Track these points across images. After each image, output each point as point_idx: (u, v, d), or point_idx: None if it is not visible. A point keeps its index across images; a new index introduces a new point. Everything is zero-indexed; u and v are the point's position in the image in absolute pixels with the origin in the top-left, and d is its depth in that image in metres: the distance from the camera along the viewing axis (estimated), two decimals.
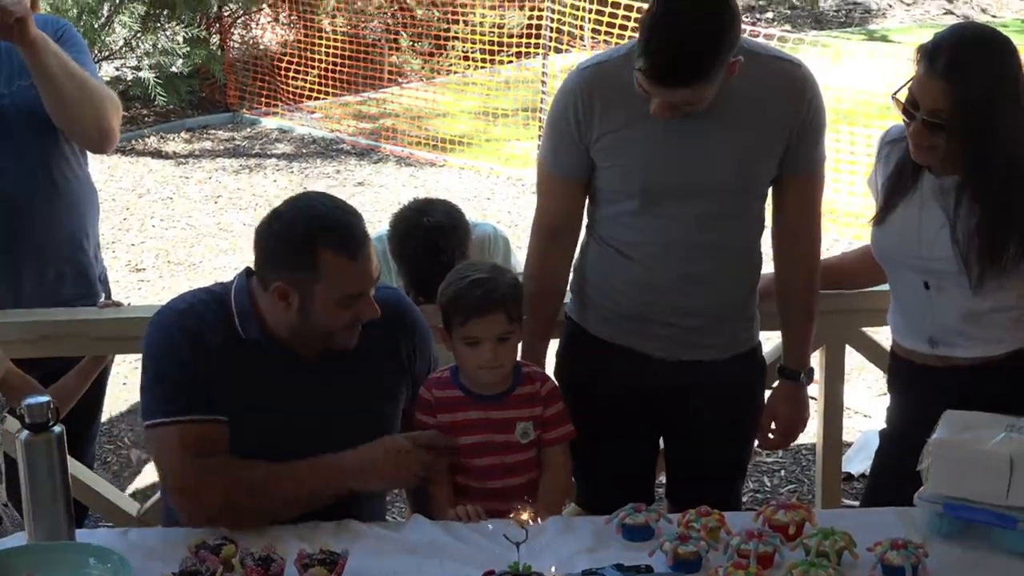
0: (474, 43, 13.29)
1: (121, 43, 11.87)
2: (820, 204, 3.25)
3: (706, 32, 2.81)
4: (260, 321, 2.87)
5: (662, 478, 3.53)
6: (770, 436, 3.38)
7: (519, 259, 3.97)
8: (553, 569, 2.26)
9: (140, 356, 2.95)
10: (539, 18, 11.30)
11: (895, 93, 3.01)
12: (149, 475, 5.30)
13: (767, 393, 3.41)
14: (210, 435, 2.82)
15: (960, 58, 2.90)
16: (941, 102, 2.90)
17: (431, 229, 3.79)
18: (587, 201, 3.22)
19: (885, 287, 3.32)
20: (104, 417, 4.15)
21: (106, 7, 11.37)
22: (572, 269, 3.31)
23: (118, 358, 3.99)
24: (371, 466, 2.86)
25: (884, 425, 3.38)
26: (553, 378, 3.19)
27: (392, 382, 3.03)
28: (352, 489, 2.86)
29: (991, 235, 2.97)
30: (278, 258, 2.81)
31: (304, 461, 2.83)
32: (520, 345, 3.14)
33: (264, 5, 13.45)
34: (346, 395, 2.93)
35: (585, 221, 3.26)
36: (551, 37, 10.72)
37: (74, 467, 3.20)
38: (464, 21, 13.60)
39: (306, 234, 2.77)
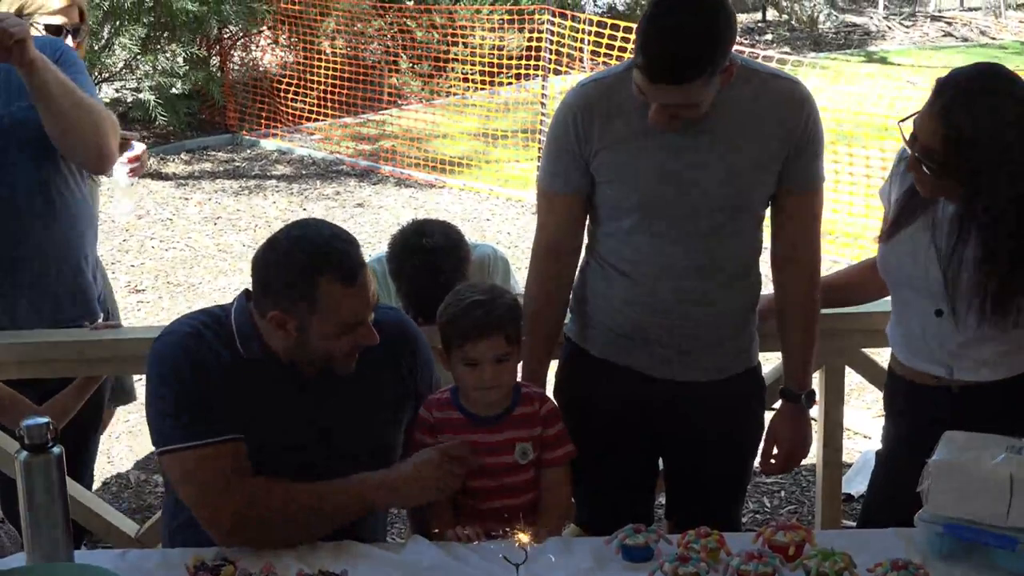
0: (473, 65, 13.33)
1: (121, 65, 11.91)
2: (819, 224, 3.25)
3: (703, 29, 2.83)
4: (261, 341, 2.87)
5: (662, 498, 3.52)
6: (772, 460, 3.38)
7: (519, 280, 3.97)
8: None
9: (141, 376, 2.94)
10: (538, 40, 11.34)
11: (901, 120, 3.01)
12: (148, 496, 5.30)
13: (768, 414, 3.41)
14: (230, 456, 2.81)
15: (960, 101, 2.87)
16: (935, 142, 2.89)
17: (430, 251, 3.80)
18: (587, 221, 3.22)
19: (884, 308, 3.31)
20: (102, 437, 4.14)
21: (106, 29, 11.40)
22: (571, 289, 3.31)
23: None
24: (401, 480, 2.87)
25: (881, 446, 3.37)
26: (552, 398, 3.19)
27: (394, 402, 3.03)
28: (383, 504, 2.91)
29: (997, 295, 2.94)
30: (275, 287, 2.80)
31: (346, 480, 2.85)
32: (520, 366, 3.14)
33: (264, 27, 13.50)
34: (348, 414, 2.92)
35: (585, 241, 3.26)
36: (550, 59, 10.75)
37: (73, 488, 3.20)
38: (464, 43, 13.65)
39: (304, 265, 2.76)
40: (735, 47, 2.96)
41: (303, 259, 2.77)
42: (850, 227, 8.63)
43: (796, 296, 3.26)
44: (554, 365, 3.39)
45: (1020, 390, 3.07)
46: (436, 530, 2.93)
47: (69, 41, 4.36)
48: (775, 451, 3.36)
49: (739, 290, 3.20)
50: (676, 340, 3.15)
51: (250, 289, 2.91)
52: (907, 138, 2.96)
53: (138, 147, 4.51)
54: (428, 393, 3.10)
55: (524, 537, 2.41)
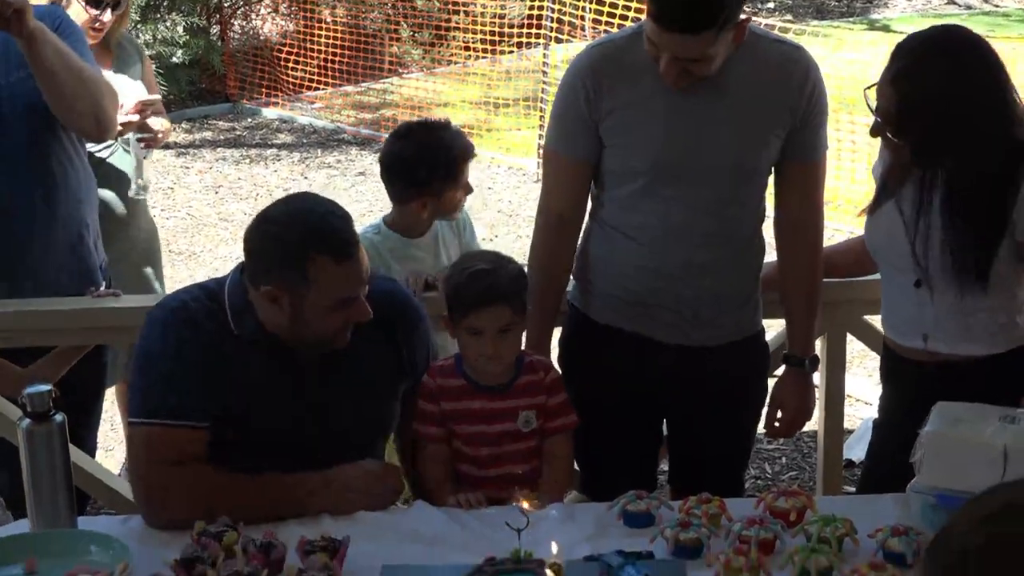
0: (475, 33, 13.27)
1: None
2: (822, 192, 3.25)
3: None
4: (254, 316, 2.86)
5: (664, 465, 3.53)
6: (776, 424, 3.38)
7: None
8: (555, 550, 2.26)
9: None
10: (540, 8, 11.27)
11: (867, 87, 3.02)
12: None
13: (771, 380, 3.41)
14: (181, 441, 2.80)
15: (911, 65, 2.89)
16: (891, 106, 2.90)
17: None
18: (592, 186, 3.22)
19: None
20: (106, 404, 4.15)
21: None
22: (575, 257, 3.30)
23: None
24: (340, 486, 2.83)
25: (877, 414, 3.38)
26: (556, 366, 3.19)
27: (390, 375, 3.02)
28: (317, 508, 2.81)
29: (956, 253, 2.95)
30: (269, 262, 2.79)
31: (282, 477, 2.81)
32: (525, 335, 3.15)
33: None
34: (343, 389, 2.92)
35: (589, 207, 3.26)
36: (552, 27, 10.70)
37: (76, 455, 3.21)
38: (465, 11, 13.58)
39: (298, 240, 2.76)
40: None
41: (297, 235, 2.76)
42: (852, 195, 8.60)
43: (799, 263, 3.26)
44: (557, 332, 3.39)
45: (1003, 367, 3.06)
46: (438, 495, 2.95)
47: (108, 13, 4.42)
48: (779, 415, 3.37)
49: (744, 256, 3.20)
50: (681, 306, 3.15)
51: (244, 264, 2.91)
52: (871, 105, 2.97)
53: (164, 123, 4.55)
54: (426, 363, 3.09)
55: (526, 503, 2.41)
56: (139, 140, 4.54)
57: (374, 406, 3.00)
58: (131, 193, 4.63)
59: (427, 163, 3.67)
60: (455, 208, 3.81)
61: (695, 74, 2.94)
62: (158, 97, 4.69)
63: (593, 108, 3.08)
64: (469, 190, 3.82)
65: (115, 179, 4.59)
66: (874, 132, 3.02)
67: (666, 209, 3.08)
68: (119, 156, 4.58)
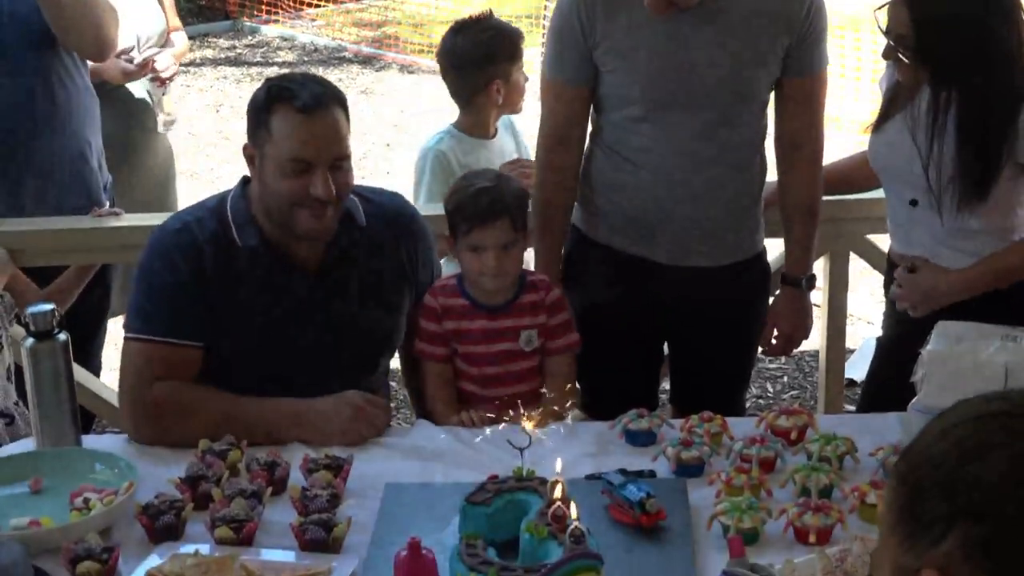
0: None
1: None
2: (823, 109, 3.23)
3: None
4: (257, 226, 2.86)
5: (665, 384, 3.54)
6: (773, 342, 3.39)
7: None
8: (557, 469, 2.28)
9: None
10: None
11: (877, 8, 2.99)
12: None
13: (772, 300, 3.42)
14: (175, 359, 2.81)
15: None
16: (905, 27, 2.87)
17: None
18: (592, 109, 3.20)
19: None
20: (110, 324, 4.16)
21: None
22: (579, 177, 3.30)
23: None
24: (315, 415, 2.81)
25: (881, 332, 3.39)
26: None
27: (394, 289, 3.02)
28: (290, 435, 2.79)
29: (964, 171, 2.93)
30: (249, 122, 2.84)
31: (262, 402, 2.81)
32: (533, 259, 3.14)
33: None
34: (347, 303, 2.92)
35: (590, 129, 3.24)
36: None
37: (80, 374, 3.22)
38: None
39: (265, 96, 2.79)
40: None
41: (265, 92, 2.81)
42: (855, 114, 8.55)
43: (798, 180, 3.25)
44: None
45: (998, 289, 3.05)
46: (441, 414, 2.97)
47: None
48: (776, 334, 3.37)
49: (745, 177, 3.19)
50: (682, 227, 3.15)
51: (248, 175, 2.90)
52: (882, 27, 2.95)
53: (178, 49, 4.53)
54: (430, 278, 3.10)
55: (529, 422, 2.42)
56: (152, 80, 4.52)
57: (379, 319, 3.00)
58: (160, 128, 4.66)
59: (494, 44, 3.86)
60: (520, 94, 3.93)
61: (682, 4, 2.93)
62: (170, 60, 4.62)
63: (588, 33, 3.05)
64: (526, 78, 3.94)
65: (137, 107, 4.59)
66: (887, 55, 2.99)
67: (664, 133, 3.07)
68: (139, 84, 4.56)
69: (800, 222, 3.28)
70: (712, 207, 3.14)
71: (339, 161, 2.79)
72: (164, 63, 4.50)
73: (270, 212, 2.83)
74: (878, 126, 3.13)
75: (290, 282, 2.88)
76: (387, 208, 2.95)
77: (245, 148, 2.84)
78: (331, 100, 2.80)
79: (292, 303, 2.88)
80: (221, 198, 2.93)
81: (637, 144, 3.11)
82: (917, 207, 3.05)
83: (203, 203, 2.96)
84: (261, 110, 2.78)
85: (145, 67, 4.44)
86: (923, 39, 2.87)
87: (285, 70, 10.74)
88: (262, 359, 2.86)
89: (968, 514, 1.16)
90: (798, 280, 3.30)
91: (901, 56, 2.93)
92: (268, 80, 2.87)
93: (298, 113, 2.74)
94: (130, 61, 4.38)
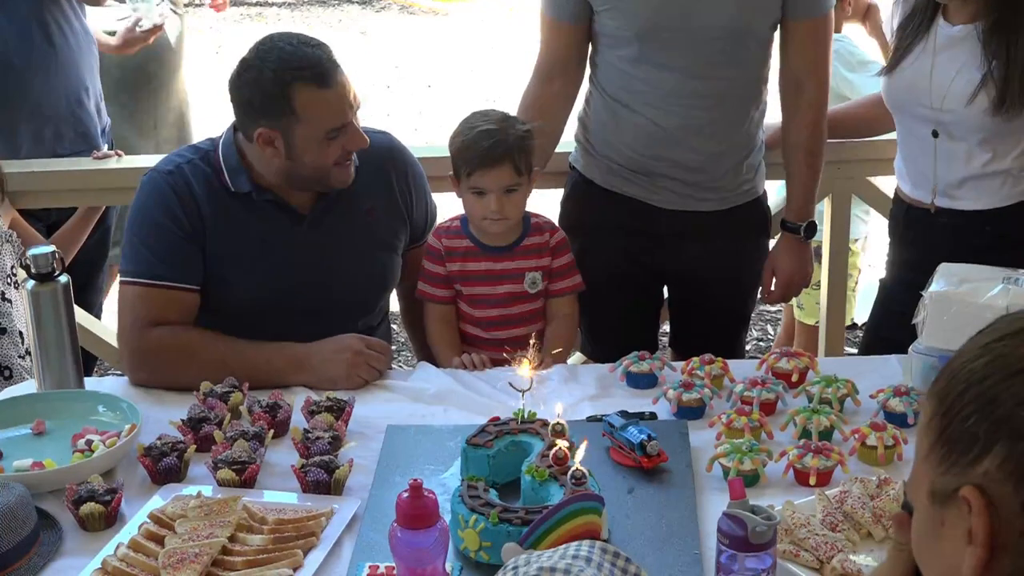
0: None
1: None
2: (828, 51, 3.19)
3: None
4: (250, 173, 2.85)
5: (665, 327, 3.54)
6: (772, 289, 3.38)
7: None
8: (558, 411, 2.28)
9: None
10: None
11: None
12: None
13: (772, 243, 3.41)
14: (170, 302, 2.81)
15: None
16: None
17: None
18: (590, 49, 3.18)
19: (891, 137, 3.28)
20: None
21: None
22: (577, 120, 3.28)
23: None
24: (315, 358, 2.80)
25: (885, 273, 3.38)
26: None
27: (389, 228, 3.02)
28: (290, 378, 2.79)
29: (1001, 90, 2.89)
30: (255, 106, 2.78)
31: (261, 346, 2.80)
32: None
33: None
34: (342, 244, 2.92)
35: (588, 71, 3.22)
36: None
37: (81, 316, 3.22)
38: None
39: (274, 76, 2.74)
40: None
41: (272, 71, 2.75)
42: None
43: (801, 126, 3.22)
44: (559, 194, 3.38)
45: (1010, 221, 3.06)
46: (443, 356, 2.98)
47: None
48: (774, 281, 3.36)
49: (744, 120, 3.16)
50: (681, 171, 3.13)
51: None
52: None
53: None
54: (424, 215, 3.10)
55: (530, 365, 2.43)
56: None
57: (374, 258, 3.00)
58: (172, 42, 4.64)
59: None
60: None
61: None
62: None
63: None
64: None
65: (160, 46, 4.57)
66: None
67: (661, 74, 3.04)
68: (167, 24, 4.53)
69: (801, 168, 3.25)
70: (712, 150, 3.12)
71: (358, 108, 2.84)
72: (149, 21, 4.46)
73: (302, 180, 2.83)
74: (893, 66, 3.11)
75: (284, 225, 2.88)
76: (378, 147, 2.95)
77: (260, 134, 2.77)
78: (329, 57, 2.79)
79: (287, 246, 2.88)
80: (212, 142, 2.92)
81: (633, 86, 3.09)
82: (939, 138, 3.03)
83: (194, 146, 2.95)
84: (276, 96, 2.74)
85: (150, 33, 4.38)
86: None
87: (284, 11, 10.69)
88: (258, 302, 2.86)
89: (1009, 431, 1.13)
90: (797, 227, 3.28)
91: None
92: (258, 60, 2.78)
93: (320, 88, 2.74)
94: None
